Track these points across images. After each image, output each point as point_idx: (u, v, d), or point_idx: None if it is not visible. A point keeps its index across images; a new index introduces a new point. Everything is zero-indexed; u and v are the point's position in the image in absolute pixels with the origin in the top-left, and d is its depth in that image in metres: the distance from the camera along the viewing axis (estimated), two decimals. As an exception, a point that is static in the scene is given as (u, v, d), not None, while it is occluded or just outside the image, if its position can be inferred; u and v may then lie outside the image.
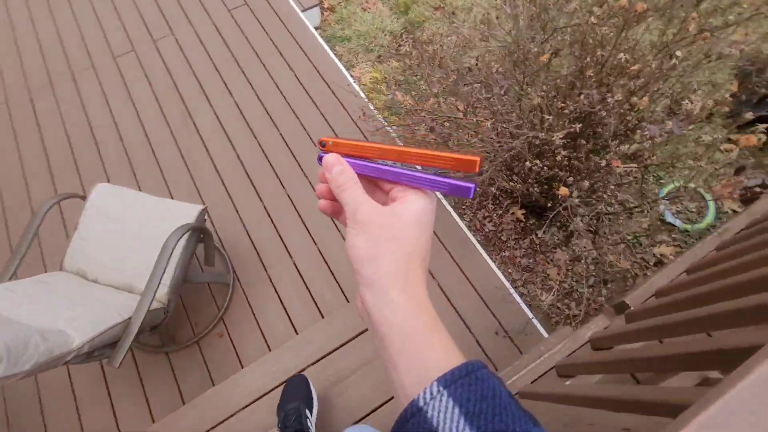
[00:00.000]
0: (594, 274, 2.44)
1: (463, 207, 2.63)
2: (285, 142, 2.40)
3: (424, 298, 0.34)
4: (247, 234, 2.14)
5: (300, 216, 2.18)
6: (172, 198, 2.19)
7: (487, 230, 2.60)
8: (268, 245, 2.11)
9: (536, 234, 2.57)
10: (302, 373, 1.65)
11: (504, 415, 0.26)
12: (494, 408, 0.27)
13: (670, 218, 2.51)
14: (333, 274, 2.01)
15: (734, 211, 2.45)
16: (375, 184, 0.40)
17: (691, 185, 2.30)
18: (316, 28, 3.17)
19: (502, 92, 1.78)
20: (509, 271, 2.48)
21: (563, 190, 1.58)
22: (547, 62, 1.80)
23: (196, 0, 2.98)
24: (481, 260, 2.13)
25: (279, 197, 2.24)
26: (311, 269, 2.03)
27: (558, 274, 2.48)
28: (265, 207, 2.22)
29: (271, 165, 2.33)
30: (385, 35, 3.11)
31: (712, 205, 2.51)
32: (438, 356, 0.30)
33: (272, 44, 2.75)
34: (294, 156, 2.35)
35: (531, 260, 2.51)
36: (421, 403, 0.28)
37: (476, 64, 2.94)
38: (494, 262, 2.30)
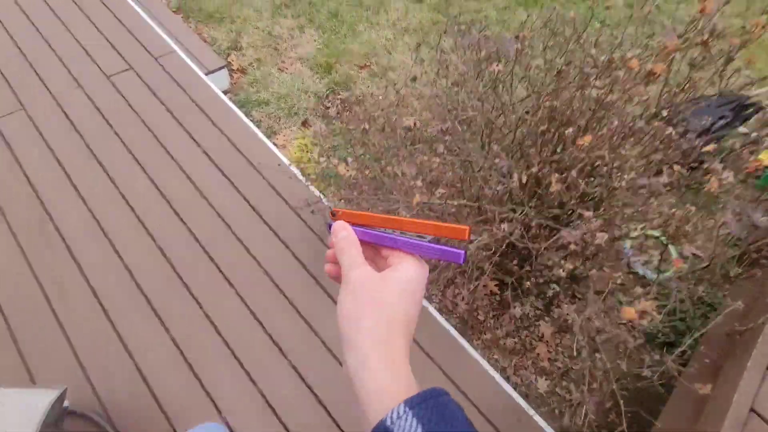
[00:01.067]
0: (584, 344, 2.17)
1: (428, 283, 2.23)
2: (200, 244, 1.80)
3: (404, 367, 0.34)
4: (151, 393, 1.45)
5: (234, 354, 1.56)
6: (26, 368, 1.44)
7: (460, 311, 2.22)
8: (186, 399, 1.45)
9: (514, 306, 2.24)
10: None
11: None
12: (453, 429, 0.29)
13: (640, 270, 2.38)
14: None
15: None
16: (378, 252, 0.41)
17: (653, 233, 2.20)
18: (225, 92, 2.69)
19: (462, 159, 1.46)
20: (495, 357, 2.09)
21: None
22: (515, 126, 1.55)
23: (57, 66, 2.33)
24: (462, 353, 1.72)
25: (195, 325, 1.60)
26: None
27: (548, 351, 2.15)
28: (176, 344, 1.56)
29: (182, 281, 1.70)
30: (309, 97, 2.74)
31: (672, 249, 2.45)
32: (403, 390, 0.32)
33: (171, 116, 2.19)
34: (214, 262, 1.75)
35: (516, 339, 2.16)
36: (389, 422, 0.29)
37: (414, 125, 2.70)
38: (476, 349, 1.91)
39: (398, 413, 0.29)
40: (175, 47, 2.51)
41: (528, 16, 1.71)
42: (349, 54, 2.95)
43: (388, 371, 0.32)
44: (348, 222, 0.41)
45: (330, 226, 0.41)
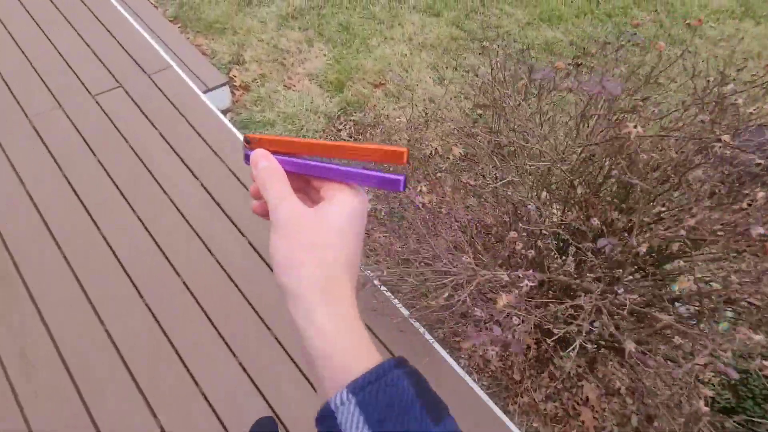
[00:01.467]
0: (635, 410, 1.92)
1: (456, 340, 1.97)
2: (198, 302, 1.52)
3: (351, 313, 0.31)
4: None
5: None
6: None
7: (492, 368, 1.96)
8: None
9: (553, 362, 1.98)
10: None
11: (405, 419, 0.27)
12: (397, 413, 0.28)
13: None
14: None
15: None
16: (308, 183, 0.37)
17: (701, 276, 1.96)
18: (226, 112, 2.43)
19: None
20: (534, 425, 1.83)
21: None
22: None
23: (36, 83, 2.05)
24: (496, 422, 1.46)
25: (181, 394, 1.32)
26: None
27: (594, 417, 1.90)
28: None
29: (175, 348, 1.42)
30: (319, 117, 2.49)
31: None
32: (353, 359, 0.30)
33: (164, 142, 1.92)
34: (214, 324, 1.48)
35: (557, 403, 1.90)
36: (333, 407, 0.28)
37: (436, 151, 2.45)
38: (513, 416, 1.66)
39: (341, 399, 0.28)
40: (171, 62, 2.25)
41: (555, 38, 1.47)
42: (361, 71, 2.71)
43: (338, 331, 0.30)
44: (269, 150, 0.35)
45: (247, 157, 0.36)
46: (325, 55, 2.80)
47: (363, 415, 0.27)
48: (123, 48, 2.25)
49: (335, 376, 0.29)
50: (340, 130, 2.47)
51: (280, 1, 3.03)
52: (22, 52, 2.17)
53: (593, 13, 3.11)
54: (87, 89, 2.04)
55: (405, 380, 0.29)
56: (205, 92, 2.26)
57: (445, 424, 0.28)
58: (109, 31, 2.33)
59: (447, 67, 2.76)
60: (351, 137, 2.43)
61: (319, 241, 0.31)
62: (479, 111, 2.44)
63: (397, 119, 2.48)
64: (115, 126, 1.93)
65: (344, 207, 0.33)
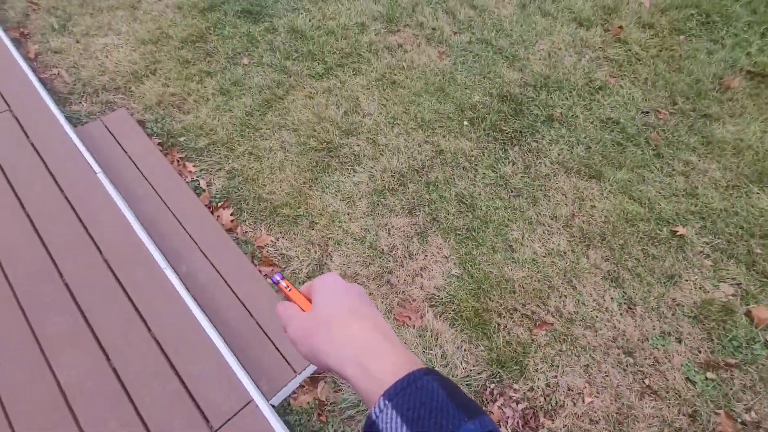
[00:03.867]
0: None
1: None
2: None
3: (377, 320, 0.40)
4: None
5: None
6: None
7: None
8: None
9: None
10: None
11: (439, 416, 0.30)
12: (431, 411, 0.31)
13: None
14: None
15: None
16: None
17: None
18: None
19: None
20: None
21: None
22: None
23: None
24: None
25: None
26: None
27: None
28: None
29: None
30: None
31: None
32: (386, 368, 0.35)
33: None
34: None
35: None
36: (374, 416, 0.32)
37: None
38: None
39: (380, 407, 0.32)
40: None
41: None
42: (504, 287, 1.80)
43: (365, 326, 0.39)
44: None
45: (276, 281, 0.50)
46: (446, 258, 1.90)
47: (400, 416, 0.30)
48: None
49: (372, 390, 0.34)
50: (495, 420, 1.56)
51: (366, 162, 2.13)
52: None
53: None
54: None
55: (435, 384, 0.33)
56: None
57: (482, 421, 0.30)
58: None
59: (632, 277, 1.84)
60: (518, 437, 1.52)
61: (325, 310, 0.42)
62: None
63: (589, 401, 1.57)
64: None
65: (316, 285, 0.45)
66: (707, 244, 1.94)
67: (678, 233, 1.95)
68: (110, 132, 2.10)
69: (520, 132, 2.26)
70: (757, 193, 2.07)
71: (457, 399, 0.31)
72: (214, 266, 1.76)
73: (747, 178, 2.12)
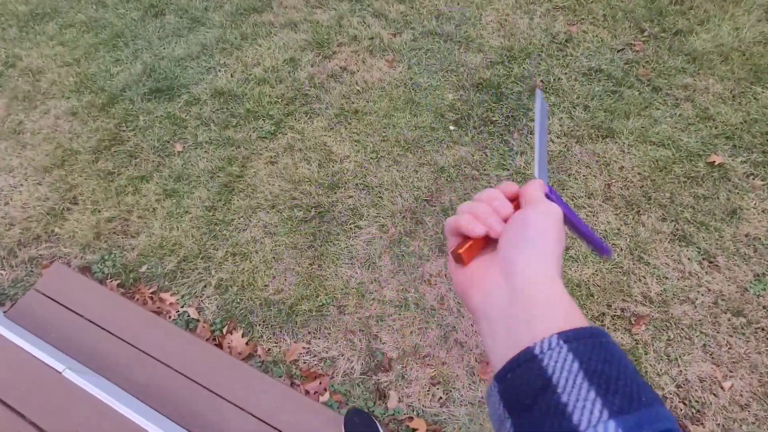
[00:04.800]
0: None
1: None
2: None
3: (558, 278, 0.32)
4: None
5: None
6: None
7: None
8: None
9: None
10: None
11: (630, 382, 0.24)
12: (618, 372, 0.24)
13: None
14: None
15: None
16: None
17: None
18: None
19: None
20: None
21: None
22: None
23: None
24: None
25: None
26: None
27: None
28: None
29: None
30: None
31: None
32: (560, 315, 0.28)
33: None
34: None
35: None
36: (537, 351, 0.26)
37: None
38: None
39: (550, 344, 0.26)
40: None
41: None
42: (581, 296, 1.57)
43: (547, 281, 0.31)
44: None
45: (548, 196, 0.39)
46: (502, 286, 1.64)
47: (578, 362, 0.25)
48: None
49: (535, 319, 0.28)
50: None
51: (368, 212, 1.82)
52: None
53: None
54: None
55: (619, 349, 0.27)
56: None
57: (667, 412, 0.24)
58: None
59: (696, 228, 1.67)
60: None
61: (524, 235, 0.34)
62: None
63: None
64: None
65: (520, 219, 0.35)
66: (746, 162, 1.81)
67: (714, 162, 1.81)
68: (52, 299, 1.64)
69: (512, 117, 2.03)
70: (763, 92, 1.98)
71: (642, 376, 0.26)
72: (253, 415, 1.39)
73: (746, 81, 2.02)
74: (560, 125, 1.98)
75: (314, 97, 2.19)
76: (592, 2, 2.38)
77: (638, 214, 1.74)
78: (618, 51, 2.19)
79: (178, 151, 2.08)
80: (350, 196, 1.88)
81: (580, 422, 0.22)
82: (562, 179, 1.85)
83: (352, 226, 1.81)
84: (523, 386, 0.25)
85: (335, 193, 1.90)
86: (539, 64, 2.18)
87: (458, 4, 2.46)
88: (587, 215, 1.76)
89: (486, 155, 1.94)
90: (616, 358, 0.25)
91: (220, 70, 2.34)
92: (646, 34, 2.22)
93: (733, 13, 2.23)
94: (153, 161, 2.06)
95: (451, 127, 2.03)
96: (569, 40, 2.25)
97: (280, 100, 2.20)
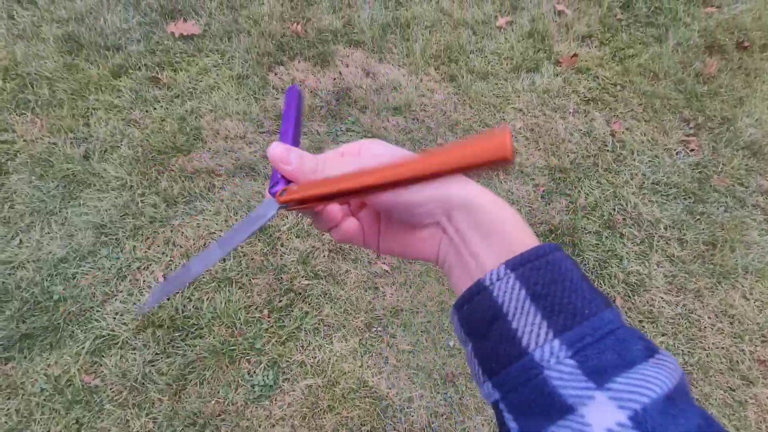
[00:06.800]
0: None
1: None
2: None
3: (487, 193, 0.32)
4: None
5: None
6: None
7: None
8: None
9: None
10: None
11: (573, 297, 0.25)
12: (563, 290, 0.25)
13: None
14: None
15: None
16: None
17: None
18: None
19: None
20: None
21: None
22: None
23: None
24: None
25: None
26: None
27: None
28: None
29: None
30: None
31: None
32: (513, 240, 0.28)
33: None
34: None
35: None
36: (487, 282, 0.27)
37: None
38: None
39: (498, 275, 0.27)
40: None
41: None
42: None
43: (500, 211, 0.30)
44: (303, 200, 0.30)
45: (273, 192, 0.31)
46: None
47: (525, 289, 0.26)
48: None
49: (493, 254, 0.28)
50: None
51: None
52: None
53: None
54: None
55: (570, 262, 0.27)
56: None
57: (612, 311, 0.25)
58: None
59: None
60: None
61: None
62: None
63: None
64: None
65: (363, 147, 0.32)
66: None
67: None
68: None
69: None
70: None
71: (588, 280, 0.26)
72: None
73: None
74: (665, 278, 1.52)
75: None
76: (620, 89, 2.00)
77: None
78: (676, 153, 1.83)
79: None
80: None
81: (528, 345, 0.24)
82: (701, 359, 1.38)
83: None
84: (477, 316, 0.27)
85: None
86: (600, 184, 1.72)
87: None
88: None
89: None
90: (561, 275, 0.26)
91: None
92: (691, 126, 1.90)
93: (761, 90, 2.03)
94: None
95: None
96: (622, 144, 1.82)
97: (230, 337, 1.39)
